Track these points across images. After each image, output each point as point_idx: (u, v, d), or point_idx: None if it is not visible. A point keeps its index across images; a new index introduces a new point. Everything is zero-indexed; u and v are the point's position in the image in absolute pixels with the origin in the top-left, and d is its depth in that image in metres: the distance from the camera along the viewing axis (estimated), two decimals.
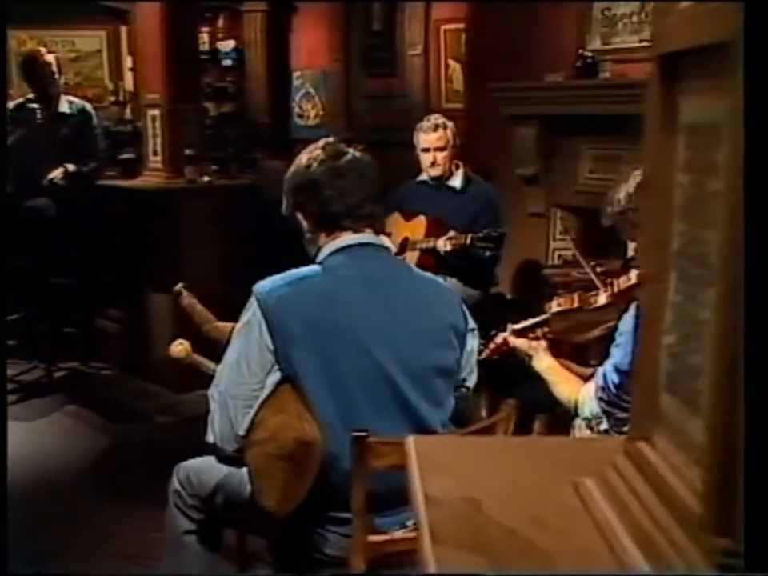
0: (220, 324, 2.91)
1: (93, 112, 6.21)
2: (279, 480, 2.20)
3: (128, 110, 7.93)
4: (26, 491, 3.88)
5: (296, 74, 8.34)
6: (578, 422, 2.91)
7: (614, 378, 2.53)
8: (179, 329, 5.00)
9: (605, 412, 2.60)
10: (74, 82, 7.72)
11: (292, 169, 2.49)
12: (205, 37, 8.08)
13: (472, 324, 2.53)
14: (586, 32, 5.31)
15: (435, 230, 4.61)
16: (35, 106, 5.91)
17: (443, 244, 4.42)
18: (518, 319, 3.11)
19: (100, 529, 3.77)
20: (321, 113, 8.20)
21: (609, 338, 2.84)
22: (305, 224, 2.45)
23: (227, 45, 8.36)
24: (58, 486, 4.20)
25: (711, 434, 0.80)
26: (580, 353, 3.26)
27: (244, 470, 2.37)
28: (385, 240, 2.81)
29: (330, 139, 2.53)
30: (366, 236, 2.42)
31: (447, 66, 7.04)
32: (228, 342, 2.41)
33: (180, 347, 2.81)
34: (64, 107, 6.02)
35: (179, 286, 3.13)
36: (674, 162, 0.90)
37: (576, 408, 2.73)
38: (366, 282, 2.35)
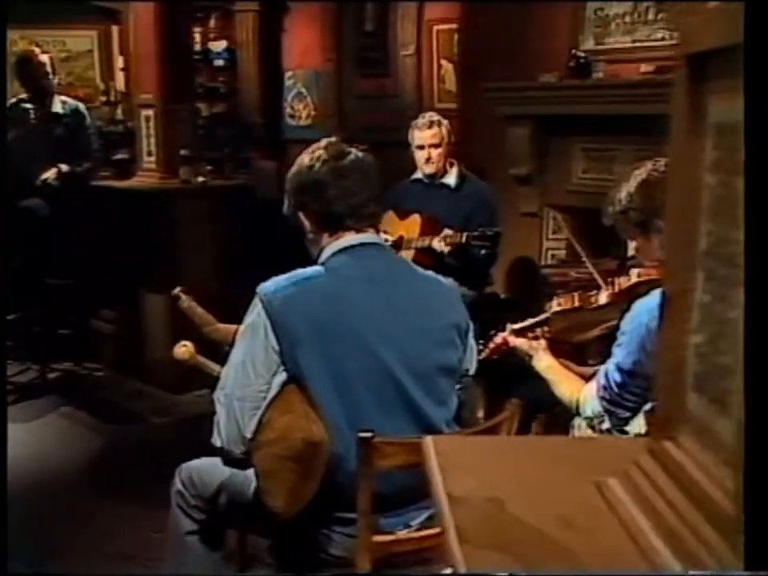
0: (221, 326, 2.90)
1: (86, 112, 6.21)
2: (287, 481, 2.20)
3: (119, 110, 7.90)
4: (22, 492, 3.85)
5: (288, 74, 8.33)
6: (577, 421, 2.91)
7: (615, 376, 2.53)
8: (175, 330, 5.03)
9: (607, 411, 2.60)
10: (65, 82, 7.69)
11: (294, 169, 2.49)
12: (197, 37, 8.06)
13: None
14: (579, 32, 5.32)
15: (430, 228, 4.62)
16: (29, 106, 5.90)
17: (439, 243, 4.42)
18: (513, 319, 3.12)
19: (98, 530, 3.76)
20: (312, 113, 8.19)
21: (608, 337, 2.85)
22: (307, 224, 2.44)
23: (219, 45, 8.35)
24: (54, 488, 4.19)
25: (741, 434, 0.80)
26: (578, 352, 3.27)
27: (248, 471, 2.37)
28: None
29: (332, 139, 2.53)
30: (369, 236, 2.42)
31: (440, 66, 7.05)
32: (231, 344, 2.41)
33: (184, 349, 2.79)
34: (57, 107, 6.01)
35: (177, 290, 3.08)
36: (701, 163, 0.90)
37: (577, 407, 2.73)
38: (370, 282, 2.35)
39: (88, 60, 8.17)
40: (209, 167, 6.27)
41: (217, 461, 2.52)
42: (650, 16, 5.02)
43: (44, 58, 5.96)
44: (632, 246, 2.73)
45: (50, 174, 5.76)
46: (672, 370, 0.97)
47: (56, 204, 5.72)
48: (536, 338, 2.97)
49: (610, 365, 2.58)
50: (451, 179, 4.80)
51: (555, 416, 3.17)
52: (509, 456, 1.21)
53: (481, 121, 5.79)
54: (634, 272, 2.84)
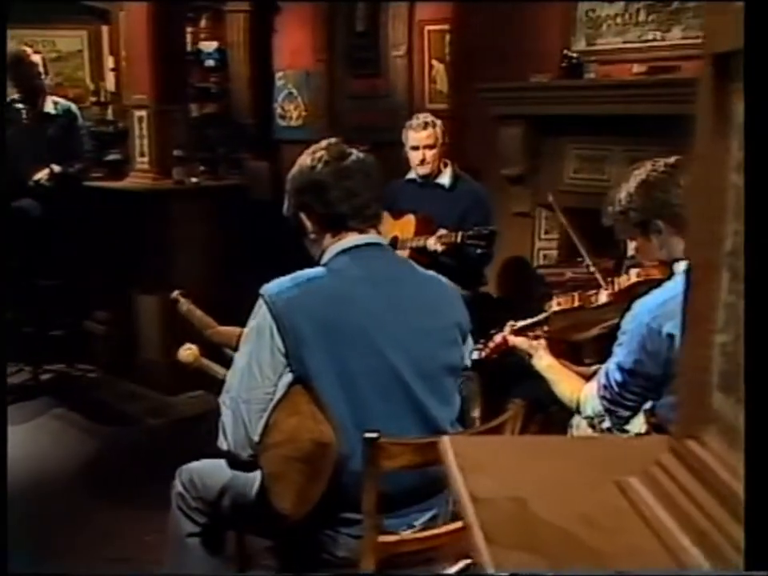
0: (221, 328, 2.88)
1: (78, 113, 6.19)
2: (295, 482, 2.19)
3: (110, 111, 7.87)
4: (19, 494, 3.84)
5: (278, 74, 8.31)
6: (576, 420, 2.92)
7: (616, 376, 2.54)
8: (168, 331, 5.02)
9: (607, 410, 2.60)
10: (55, 82, 7.64)
11: (295, 169, 2.48)
12: (187, 37, 8.03)
13: None
14: (570, 33, 5.35)
15: (424, 228, 4.62)
16: (21, 106, 5.87)
17: (434, 243, 4.43)
18: (507, 319, 3.12)
19: (94, 531, 3.75)
20: (303, 113, 8.16)
21: (605, 336, 2.86)
22: (308, 225, 2.44)
23: (210, 45, 8.31)
24: (48, 489, 4.18)
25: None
26: (575, 351, 3.27)
27: (251, 473, 2.36)
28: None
29: (333, 140, 2.53)
30: (371, 236, 2.43)
31: (431, 66, 7.04)
32: (233, 347, 2.40)
33: (188, 352, 2.77)
34: (49, 107, 5.99)
35: (176, 293, 3.05)
36: (727, 163, 0.91)
37: (578, 407, 2.73)
38: (373, 282, 2.35)
39: (78, 60, 8.12)
40: (202, 168, 6.25)
41: (218, 462, 2.51)
42: (641, 17, 5.04)
43: (36, 58, 5.94)
44: (632, 246, 2.74)
45: (42, 175, 5.74)
46: (696, 369, 0.97)
47: (48, 205, 5.70)
48: (536, 338, 2.97)
49: (610, 364, 2.58)
50: (445, 179, 4.81)
51: (551, 415, 3.18)
52: (527, 456, 1.21)
53: (472, 121, 5.80)
54: (633, 272, 2.85)
